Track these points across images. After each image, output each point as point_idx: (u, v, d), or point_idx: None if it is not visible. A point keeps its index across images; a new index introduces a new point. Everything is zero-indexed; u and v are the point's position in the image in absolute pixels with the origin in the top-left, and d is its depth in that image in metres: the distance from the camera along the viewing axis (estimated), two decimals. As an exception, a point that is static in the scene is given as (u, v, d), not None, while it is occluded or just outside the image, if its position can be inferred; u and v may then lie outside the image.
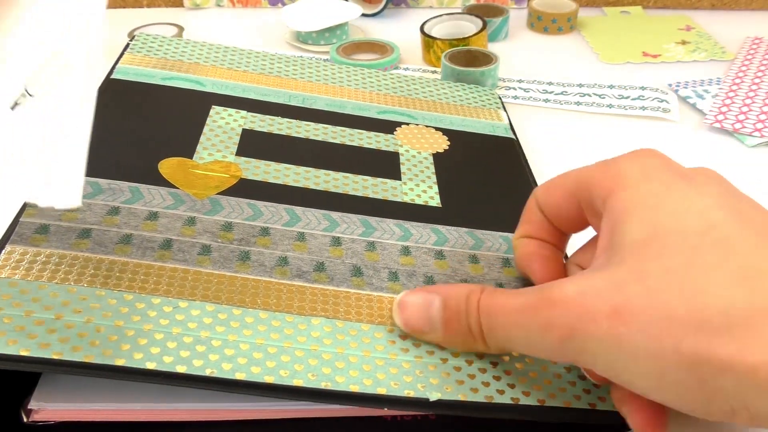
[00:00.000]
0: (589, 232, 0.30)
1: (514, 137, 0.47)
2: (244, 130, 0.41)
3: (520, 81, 0.59)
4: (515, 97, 0.56)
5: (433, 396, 0.26)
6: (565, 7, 0.70)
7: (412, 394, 0.26)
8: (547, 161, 0.48)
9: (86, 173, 0.34)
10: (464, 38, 0.60)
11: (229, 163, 0.38)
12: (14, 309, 0.26)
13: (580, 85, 0.58)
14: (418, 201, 0.38)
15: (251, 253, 0.32)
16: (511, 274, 0.34)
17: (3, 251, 0.29)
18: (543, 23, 0.70)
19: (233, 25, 0.70)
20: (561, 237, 0.31)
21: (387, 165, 0.41)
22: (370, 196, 0.38)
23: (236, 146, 0.40)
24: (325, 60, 0.58)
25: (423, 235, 0.35)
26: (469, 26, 0.63)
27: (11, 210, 0.32)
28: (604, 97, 0.56)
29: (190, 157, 0.38)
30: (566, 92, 0.57)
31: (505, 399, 0.27)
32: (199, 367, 0.25)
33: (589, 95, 0.57)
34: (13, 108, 0.25)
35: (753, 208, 0.24)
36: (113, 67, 0.46)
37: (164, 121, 0.41)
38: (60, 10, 0.27)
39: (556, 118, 0.54)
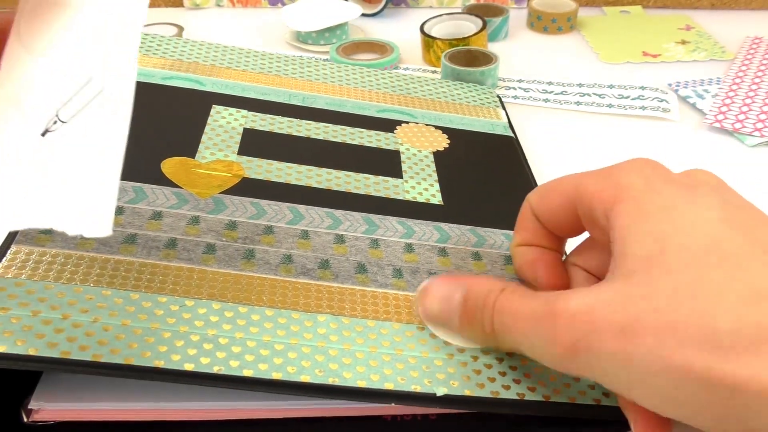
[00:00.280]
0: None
1: (513, 135, 0.47)
2: (246, 129, 0.41)
3: (519, 81, 0.59)
4: (515, 97, 0.57)
5: (440, 391, 0.26)
6: (564, 7, 0.70)
7: (419, 389, 0.26)
8: (547, 161, 0.48)
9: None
10: (464, 38, 0.60)
11: (231, 162, 0.38)
12: (21, 309, 0.26)
13: (580, 85, 0.59)
14: (420, 199, 0.38)
15: (256, 252, 0.32)
16: (512, 271, 0.34)
17: (9, 251, 0.29)
18: (543, 23, 0.70)
19: (233, 25, 0.70)
20: (559, 241, 0.31)
21: (388, 163, 0.41)
22: (372, 194, 0.38)
23: (238, 145, 0.40)
24: (325, 59, 0.58)
25: (426, 232, 0.35)
26: (469, 26, 0.63)
27: (16, 209, 0.33)
28: (603, 97, 0.57)
29: (193, 156, 0.38)
30: (566, 92, 0.58)
31: (511, 394, 0.27)
32: (206, 364, 0.25)
33: (589, 95, 0.57)
34: (44, 135, 0.25)
35: (754, 218, 0.24)
36: (115, 67, 0.46)
37: (165, 120, 0.41)
38: (95, 36, 0.27)
39: (555, 118, 0.54)
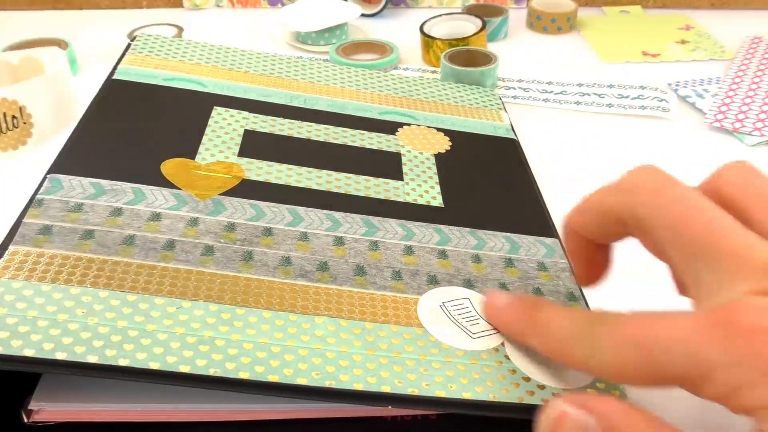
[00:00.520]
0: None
1: (515, 138, 0.47)
2: (246, 131, 0.41)
3: (519, 81, 0.59)
4: (515, 97, 0.56)
5: (438, 394, 0.26)
6: (564, 7, 0.70)
7: (416, 392, 0.26)
8: (547, 161, 0.48)
9: (89, 174, 0.35)
10: (464, 38, 0.60)
11: (231, 164, 0.38)
12: (18, 310, 0.26)
13: (580, 85, 0.59)
14: (421, 201, 0.38)
15: (254, 253, 0.32)
16: (513, 274, 0.34)
17: (6, 252, 0.29)
18: (542, 23, 0.70)
19: (233, 26, 0.70)
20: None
21: (389, 165, 0.41)
22: (373, 196, 0.38)
23: (238, 147, 0.40)
24: (325, 60, 0.58)
25: (426, 234, 0.35)
26: (469, 26, 0.63)
27: (14, 211, 0.33)
28: (603, 97, 0.57)
29: (193, 157, 0.38)
30: (566, 92, 0.58)
31: (511, 398, 0.27)
32: (202, 366, 0.25)
33: (589, 95, 0.57)
34: None
35: None
36: (115, 68, 0.46)
37: (166, 121, 0.41)
38: None
39: (555, 118, 0.54)
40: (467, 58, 0.56)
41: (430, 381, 0.27)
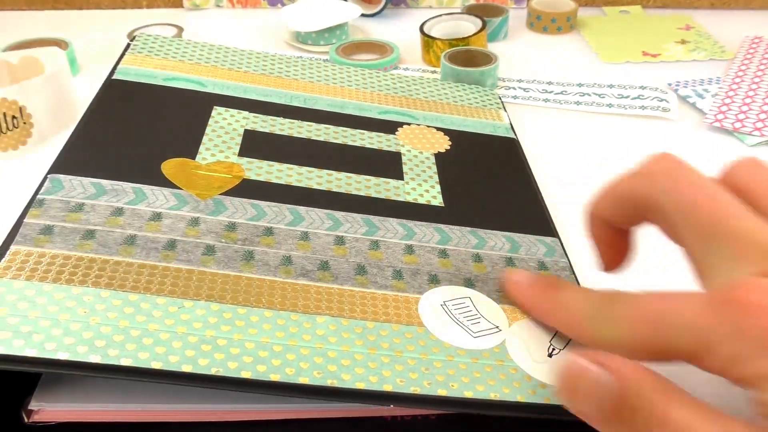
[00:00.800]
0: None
1: (514, 137, 0.47)
2: (246, 131, 0.41)
3: (519, 81, 0.59)
4: (515, 97, 0.56)
5: (440, 393, 0.26)
6: (564, 7, 0.70)
7: (418, 391, 0.26)
8: (547, 161, 0.48)
9: (89, 174, 0.35)
10: (464, 38, 0.60)
11: (231, 164, 0.38)
12: (19, 310, 0.26)
13: (580, 85, 0.59)
14: (421, 200, 0.38)
15: (255, 253, 0.32)
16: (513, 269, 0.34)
17: (7, 252, 0.29)
18: (542, 23, 0.70)
19: (233, 26, 0.70)
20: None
21: (389, 165, 0.41)
22: (373, 195, 0.38)
23: (238, 147, 0.40)
24: (325, 60, 0.58)
25: (426, 234, 0.35)
26: (469, 26, 0.63)
27: (15, 211, 0.33)
28: (603, 97, 0.57)
29: (193, 157, 0.38)
30: (566, 92, 0.58)
31: (511, 397, 0.27)
32: (204, 366, 0.25)
33: (589, 95, 0.57)
34: None
35: None
36: (114, 68, 0.46)
37: (166, 121, 0.41)
38: None
39: (555, 118, 0.54)
40: (467, 58, 0.56)
41: (431, 380, 0.27)
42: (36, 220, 0.31)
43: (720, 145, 0.51)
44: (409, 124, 0.46)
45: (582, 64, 0.63)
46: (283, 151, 0.40)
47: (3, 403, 0.26)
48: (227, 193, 0.35)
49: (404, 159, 0.42)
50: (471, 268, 0.34)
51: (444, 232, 0.36)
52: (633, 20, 0.73)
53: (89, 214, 0.32)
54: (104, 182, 0.34)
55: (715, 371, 0.22)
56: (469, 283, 0.33)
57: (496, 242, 0.36)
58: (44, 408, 0.26)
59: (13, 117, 0.45)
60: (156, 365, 0.25)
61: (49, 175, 0.34)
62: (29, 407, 0.26)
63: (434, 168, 0.41)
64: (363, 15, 0.71)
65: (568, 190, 0.44)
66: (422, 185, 0.39)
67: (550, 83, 0.59)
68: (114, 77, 0.44)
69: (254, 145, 0.40)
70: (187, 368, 0.25)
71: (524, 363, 0.28)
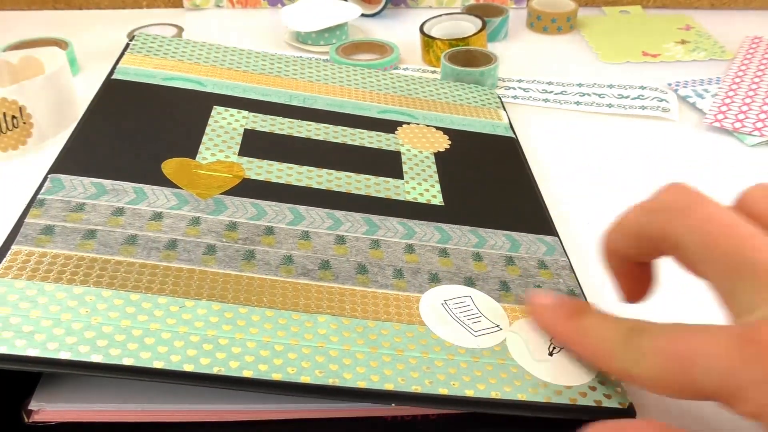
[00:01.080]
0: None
1: (514, 136, 0.47)
2: (246, 130, 0.41)
3: (519, 81, 0.59)
4: (515, 97, 0.57)
5: (441, 391, 0.26)
6: (564, 7, 0.70)
7: (419, 389, 0.26)
8: (547, 161, 0.48)
9: (90, 174, 0.35)
10: (464, 38, 0.60)
11: (231, 163, 0.38)
12: (21, 310, 0.26)
13: (580, 85, 0.59)
14: (421, 200, 0.38)
15: (256, 252, 0.32)
16: (514, 272, 0.34)
17: (9, 252, 0.29)
18: (542, 23, 0.70)
19: (232, 26, 0.70)
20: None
21: (389, 164, 0.41)
22: (373, 194, 0.38)
23: (238, 146, 0.40)
24: (325, 60, 0.58)
25: (426, 233, 0.35)
26: (469, 26, 0.63)
27: (15, 211, 0.33)
28: (603, 97, 0.57)
29: (193, 157, 0.38)
30: (566, 92, 0.58)
31: (512, 396, 0.27)
32: (206, 365, 0.25)
33: (589, 95, 0.57)
34: None
35: None
36: (114, 68, 0.46)
37: (166, 121, 0.41)
38: None
39: (555, 118, 0.54)
40: (467, 58, 0.56)
41: (432, 379, 0.27)
42: (37, 220, 0.31)
43: (720, 145, 0.51)
44: (408, 123, 0.46)
45: (582, 64, 0.63)
46: (283, 150, 0.40)
47: (3, 403, 0.26)
48: (228, 193, 0.36)
49: (404, 158, 0.42)
50: (471, 267, 0.34)
51: (444, 231, 0.36)
52: (633, 20, 0.73)
53: (90, 214, 0.32)
54: (105, 182, 0.34)
55: (746, 417, 0.21)
56: (469, 281, 0.33)
57: (496, 241, 0.36)
58: (44, 408, 0.26)
59: (13, 117, 0.45)
60: (158, 364, 0.25)
61: (49, 175, 0.34)
62: (29, 407, 0.26)
63: (434, 167, 0.41)
64: (363, 15, 0.71)
65: (567, 190, 0.45)
66: (422, 184, 0.40)
67: (550, 83, 0.59)
68: (113, 77, 0.44)
69: (254, 144, 0.40)
70: (189, 367, 0.25)
71: (525, 361, 0.28)
